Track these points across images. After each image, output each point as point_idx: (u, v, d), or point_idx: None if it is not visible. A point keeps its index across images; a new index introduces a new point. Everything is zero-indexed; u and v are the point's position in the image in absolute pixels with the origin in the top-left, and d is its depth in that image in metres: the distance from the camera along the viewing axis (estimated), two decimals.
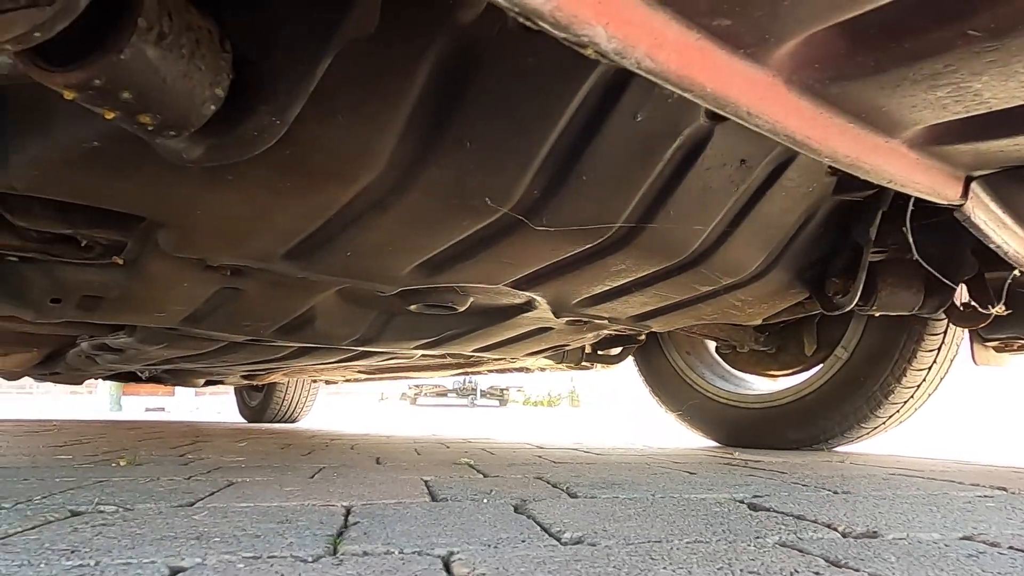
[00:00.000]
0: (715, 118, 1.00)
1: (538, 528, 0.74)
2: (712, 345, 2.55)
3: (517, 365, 2.85)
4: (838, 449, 2.19)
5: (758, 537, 0.70)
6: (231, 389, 5.54)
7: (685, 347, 2.57)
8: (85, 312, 1.43)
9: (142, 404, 10.73)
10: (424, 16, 0.73)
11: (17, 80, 0.62)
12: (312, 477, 1.24)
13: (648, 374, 2.63)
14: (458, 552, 0.62)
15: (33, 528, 0.72)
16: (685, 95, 0.43)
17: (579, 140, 0.94)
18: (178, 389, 9.85)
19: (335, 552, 0.63)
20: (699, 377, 2.50)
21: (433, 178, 0.90)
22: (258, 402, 5.15)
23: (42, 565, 0.56)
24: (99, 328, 1.83)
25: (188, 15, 0.56)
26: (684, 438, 2.79)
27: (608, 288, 1.39)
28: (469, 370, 2.96)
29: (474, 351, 2.06)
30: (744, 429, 2.32)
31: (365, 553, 0.62)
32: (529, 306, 1.57)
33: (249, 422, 5.16)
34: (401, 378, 4.63)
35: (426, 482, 1.18)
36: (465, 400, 14.63)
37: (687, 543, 0.67)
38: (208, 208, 0.91)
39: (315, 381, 4.95)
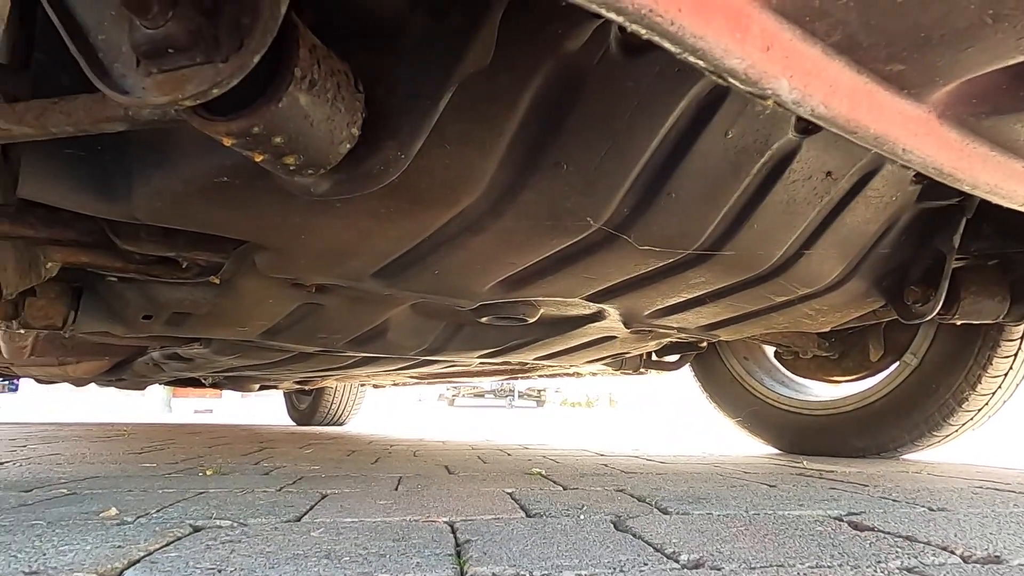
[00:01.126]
0: (805, 132, 0.99)
1: (650, 549, 0.75)
2: (770, 350, 2.52)
3: (571, 371, 2.86)
4: (906, 457, 2.14)
5: (879, 562, 0.69)
6: (275, 391, 5.65)
7: (743, 353, 2.54)
8: (172, 327, 1.49)
9: (190, 406, 11.03)
10: (531, 46, 0.75)
11: (162, 125, 0.66)
12: (396, 489, 1.27)
13: (705, 380, 2.61)
14: None
15: (168, 544, 0.76)
16: (848, 137, 0.44)
17: (670, 159, 0.94)
18: (225, 392, 10.10)
19: (464, 575, 0.65)
20: (758, 383, 2.48)
21: (528, 200, 0.92)
22: (307, 405, 5.25)
23: None
24: (174, 339, 1.89)
25: (331, 61, 0.58)
26: (740, 444, 2.76)
27: (683, 300, 1.39)
28: (521, 375, 2.98)
29: (535, 359, 2.07)
30: (807, 436, 2.28)
31: None
32: (598, 316, 1.57)
33: (298, 425, 5.26)
34: (450, 382, 4.66)
35: (510, 495, 1.20)
36: (503, 401, 14.69)
37: (810, 568, 0.67)
38: (312, 233, 0.94)
39: (363, 385, 5.04)
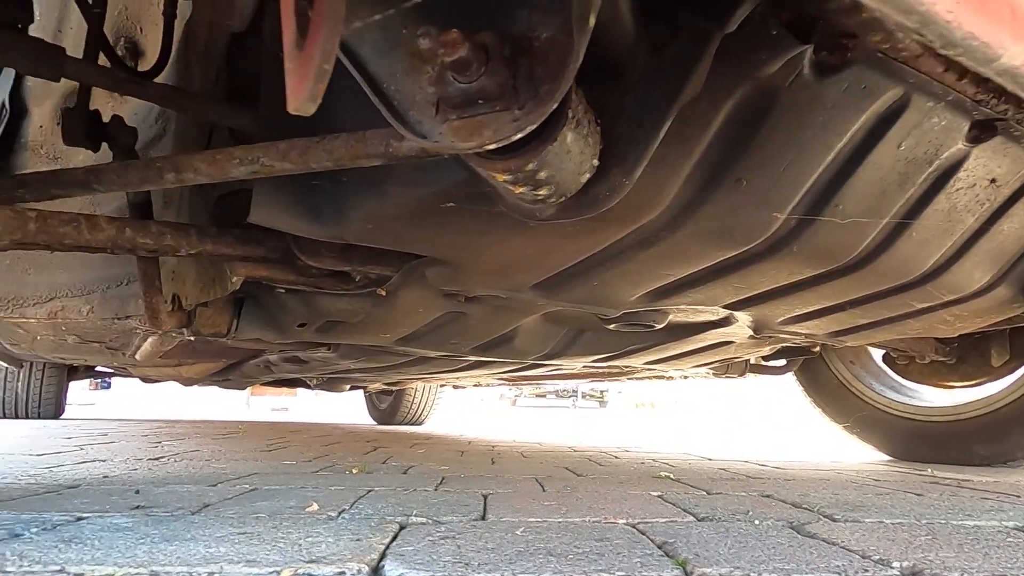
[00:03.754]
0: (975, 140, 0.99)
1: (856, 555, 0.77)
2: (878, 354, 2.47)
3: (665, 374, 2.87)
4: None
5: None
6: (357, 391, 5.81)
7: (849, 356, 2.50)
8: (321, 334, 1.59)
9: (267, 404, 11.49)
10: (730, 70, 0.78)
11: (413, 160, 0.72)
12: (544, 490, 1.33)
13: (809, 385, 2.57)
14: None
15: (395, 539, 0.83)
16: None
17: (841, 172, 0.96)
18: (299, 391, 10.45)
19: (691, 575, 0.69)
20: (867, 388, 2.43)
21: (705, 215, 0.95)
22: (387, 405, 5.41)
23: None
24: (309, 344, 2.00)
25: (585, 100, 0.64)
26: (841, 450, 2.70)
27: (822, 307, 1.39)
28: (617, 378, 3.00)
29: (645, 364, 2.10)
30: (924, 443, 2.23)
31: None
32: (724, 322, 1.59)
33: (378, 423, 5.43)
34: (534, 383, 4.70)
35: (660, 497, 1.23)
36: (566, 402, 14.72)
37: None
38: (496, 250, 1.00)
39: (443, 386, 5.16)
